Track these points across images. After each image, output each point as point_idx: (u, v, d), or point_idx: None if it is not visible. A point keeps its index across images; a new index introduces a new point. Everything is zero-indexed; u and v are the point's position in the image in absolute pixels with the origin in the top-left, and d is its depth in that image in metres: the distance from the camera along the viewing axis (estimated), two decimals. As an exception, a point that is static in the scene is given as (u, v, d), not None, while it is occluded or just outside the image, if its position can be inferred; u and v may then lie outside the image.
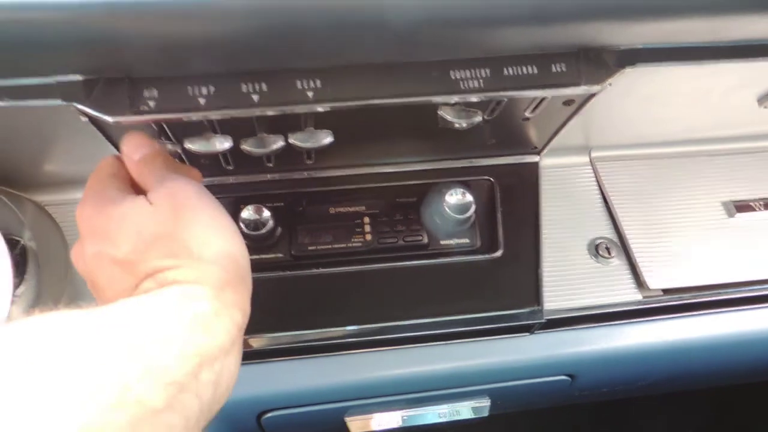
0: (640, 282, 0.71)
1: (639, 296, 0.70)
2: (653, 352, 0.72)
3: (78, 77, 0.42)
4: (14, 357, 0.29)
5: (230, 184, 0.65)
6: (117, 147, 0.53)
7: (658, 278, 0.70)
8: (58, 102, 0.42)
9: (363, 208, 0.69)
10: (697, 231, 0.74)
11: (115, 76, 0.43)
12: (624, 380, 0.81)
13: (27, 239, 0.59)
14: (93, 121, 0.45)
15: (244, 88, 0.46)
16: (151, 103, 0.44)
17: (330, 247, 0.67)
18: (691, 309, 0.72)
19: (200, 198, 0.43)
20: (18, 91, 0.41)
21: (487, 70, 0.49)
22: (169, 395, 0.31)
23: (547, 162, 0.74)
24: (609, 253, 0.72)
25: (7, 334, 0.31)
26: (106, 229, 0.41)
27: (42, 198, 0.66)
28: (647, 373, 0.80)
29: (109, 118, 0.43)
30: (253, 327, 0.65)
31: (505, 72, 0.49)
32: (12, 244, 0.57)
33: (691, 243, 0.73)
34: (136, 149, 0.46)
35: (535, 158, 0.73)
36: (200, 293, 0.37)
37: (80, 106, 0.43)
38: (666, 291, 0.71)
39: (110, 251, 0.40)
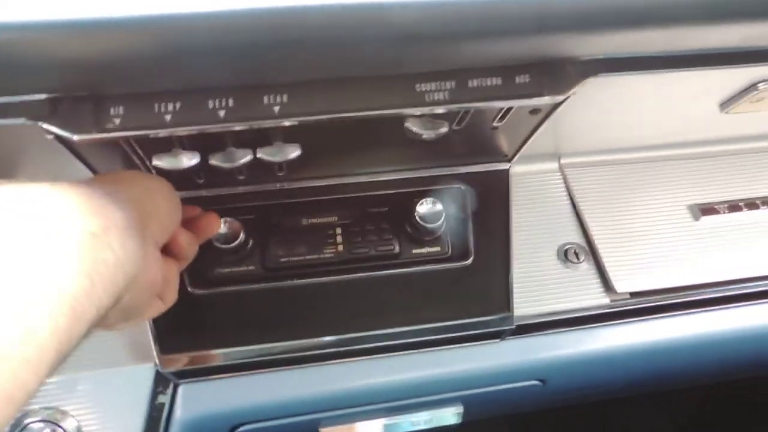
0: (608, 286, 0.72)
1: (607, 300, 0.72)
2: (622, 354, 0.74)
3: (42, 96, 0.42)
4: None
5: (202, 197, 0.65)
6: (85, 163, 0.53)
7: (625, 282, 0.72)
8: (23, 121, 0.42)
9: (335, 218, 0.69)
10: (663, 234, 0.76)
11: (81, 94, 0.43)
12: (595, 383, 0.83)
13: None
14: (59, 138, 0.45)
15: (210, 103, 0.46)
16: (117, 121, 0.44)
17: (302, 258, 0.67)
18: (658, 311, 0.74)
19: None
20: (-18, 111, 0.41)
21: (452, 83, 0.50)
22: (89, 231, 0.35)
23: (517, 169, 0.76)
24: (578, 258, 0.73)
25: None
26: None
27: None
28: (618, 375, 0.81)
29: (74, 137, 0.43)
30: (227, 340, 0.66)
31: (470, 84, 0.50)
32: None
33: (657, 246, 0.75)
34: None
35: (505, 166, 0.74)
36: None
37: (45, 125, 0.43)
38: (633, 294, 0.72)
39: None
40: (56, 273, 0.33)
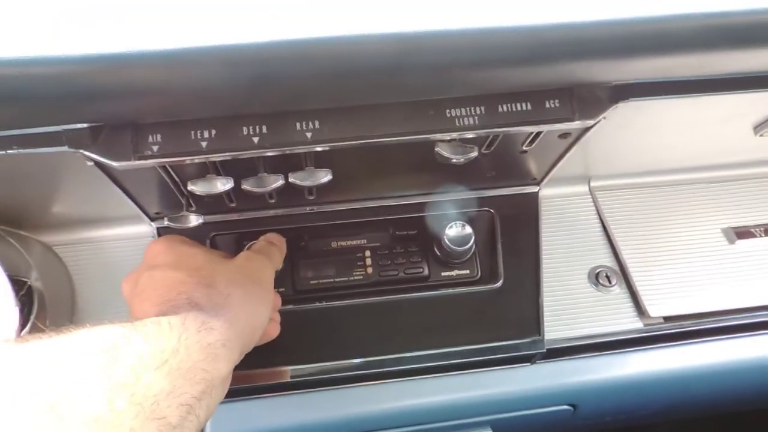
0: (641, 310, 0.71)
1: (640, 324, 0.71)
2: (656, 380, 0.72)
3: (84, 125, 0.43)
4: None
5: (233, 220, 0.66)
6: (122, 188, 0.55)
7: (659, 306, 0.71)
8: (65, 149, 0.44)
9: (364, 241, 0.70)
10: (697, 258, 0.75)
11: (120, 123, 0.45)
12: (627, 409, 0.81)
13: (34, 280, 0.60)
14: (99, 165, 0.46)
15: (244, 130, 0.47)
16: (155, 148, 0.45)
17: (332, 280, 0.68)
18: (693, 336, 0.72)
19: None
20: (27, 140, 0.43)
21: (482, 108, 0.50)
22: (181, 415, 0.36)
23: (546, 192, 0.75)
24: (609, 282, 0.72)
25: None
26: (170, 256, 0.51)
27: (50, 239, 0.68)
28: (650, 401, 0.79)
29: (114, 163, 0.45)
30: (257, 361, 0.66)
31: (500, 109, 0.50)
32: (19, 285, 0.58)
33: (692, 270, 0.74)
34: None
35: (534, 189, 0.74)
36: (215, 322, 0.43)
37: (87, 153, 0.44)
38: (667, 318, 0.71)
39: (166, 271, 0.49)
40: None
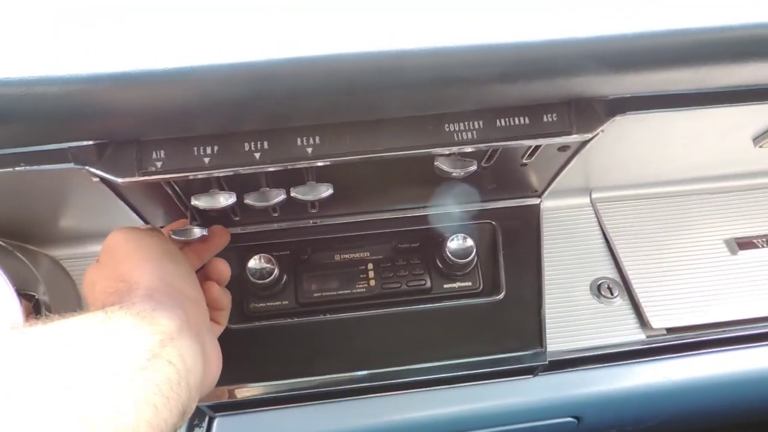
0: (643, 321, 0.71)
1: (643, 336, 0.71)
2: (660, 391, 0.72)
3: (89, 142, 0.44)
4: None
5: (237, 234, 0.67)
6: (127, 203, 0.56)
7: (661, 317, 0.71)
8: (71, 166, 0.45)
9: (367, 254, 0.70)
10: (700, 269, 0.75)
11: (124, 140, 0.46)
12: (632, 420, 0.81)
13: (41, 293, 0.61)
14: (104, 181, 0.47)
15: (246, 146, 0.48)
16: (159, 164, 0.46)
17: (335, 293, 0.68)
18: (696, 348, 0.72)
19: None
20: (34, 157, 0.44)
21: (480, 122, 0.51)
22: (146, 358, 0.39)
23: (548, 204, 0.76)
24: (611, 293, 0.72)
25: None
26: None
27: (57, 252, 0.69)
28: (655, 412, 0.79)
29: (119, 180, 0.46)
30: (262, 374, 0.67)
31: (498, 123, 0.51)
32: (27, 298, 0.59)
33: (694, 281, 0.74)
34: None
35: (535, 201, 0.74)
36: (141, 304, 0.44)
37: (92, 169, 0.45)
38: (670, 330, 0.71)
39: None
40: (115, 414, 0.36)
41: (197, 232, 0.58)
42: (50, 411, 0.33)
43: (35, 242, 0.67)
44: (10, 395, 0.33)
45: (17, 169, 0.44)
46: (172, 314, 0.44)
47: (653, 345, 0.71)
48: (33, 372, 0.35)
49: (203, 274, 0.60)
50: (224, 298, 0.60)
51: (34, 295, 0.61)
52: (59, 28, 0.37)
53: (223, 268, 0.61)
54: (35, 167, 0.44)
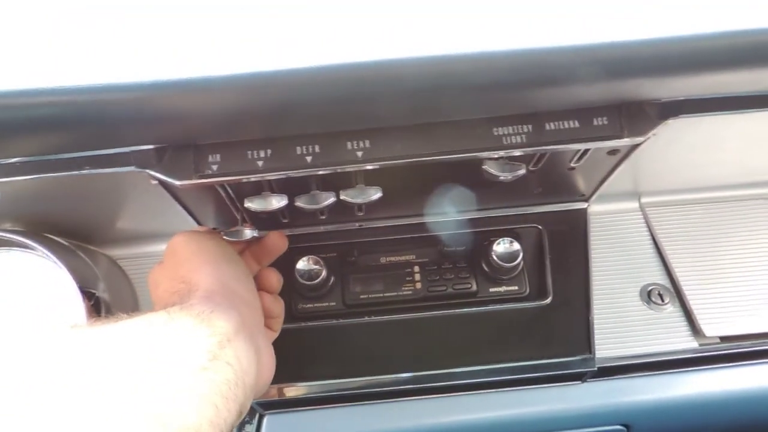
0: (696, 329, 0.69)
1: (695, 344, 0.69)
2: (712, 401, 0.70)
3: (150, 147, 0.46)
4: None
5: (286, 235, 0.68)
6: (183, 206, 0.58)
7: (714, 325, 0.69)
8: (133, 169, 0.47)
9: (413, 257, 0.71)
10: (754, 276, 0.72)
11: (182, 144, 0.47)
12: (682, 430, 0.79)
13: (101, 291, 0.64)
14: (162, 183, 0.49)
15: (298, 150, 0.49)
16: (215, 167, 0.48)
17: (381, 295, 0.69)
18: (751, 357, 0.70)
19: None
20: (99, 161, 0.46)
21: (529, 126, 0.51)
22: (207, 359, 0.41)
23: (595, 208, 0.75)
24: (662, 300, 0.71)
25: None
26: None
27: (115, 252, 0.72)
28: (707, 422, 0.77)
29: (177, 182, 0.47)
30: (308, 374, 0.68)
31: (547, 127, 0.51)
32: (88, 295, 0.61)
33: (748, 289, 0.72)
34: None
35: (583, 205, 0.73)
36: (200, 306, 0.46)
37: (152, 172, 0.47)
38: (724, 338, 0.69)
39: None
40: (181, 413, 0.37)
41: (248, 233, 0.60)
42: (123, 409, 0.35)
43: (95, 242, 0.70)
44: (84, 391, 0.34)
45: (83, 171, 0.47)
46: (229, 316, 0.46)
47: (706, 353, 0.69)
48: (105, 369, 0.36)
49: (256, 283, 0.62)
50: (276, 307, 0.61)
51: (95, 293, 0.63)
52: (126, 39, 0.38)
53: (274, 279, 0.62)
54: (100, 170, 0.47)
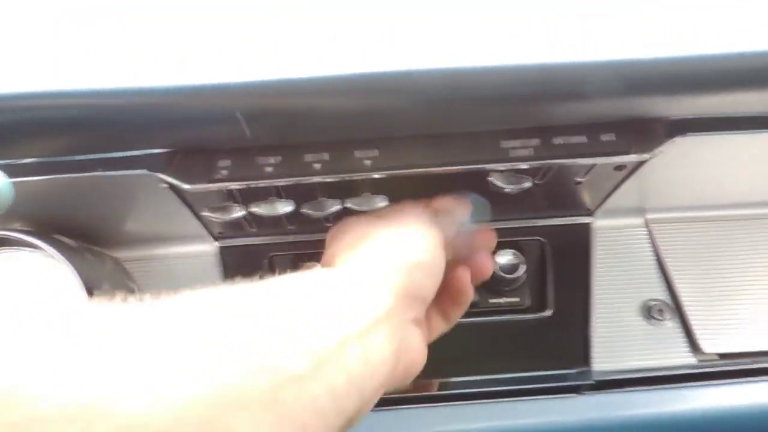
0: (695, 345, 0.69)
1: (694, 360, 0.69)
2: (709, 417, 0.70)
3: (160, 150, 0.46)
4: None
5: (290, 242, 0.69)
6: (192, 209, 0.58)
7: (714, 342, 0.69)
8: (144, 172, 0.47)
9: (415, 265, 0.71)
10: (757, 295, 0.73)
11: (192, 148, 0.48)
12: (680, 446, 0.79)
13: (104, 291, 0.64)
14: (172, 187, 0.49)
15: (307, 157, 0.49)
16: (224, 172, 0.48)
17: (382, 304, 0.69)
18: (750, 374, 0.70)
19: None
20: (110, 163, 0.47)
21: (537, 140, 0.51)
22: (312, 364, 0.30)
23: (600, 223, 0.75)
24: (662, 315, 0.71)
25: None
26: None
27: (120, 254, 0.72)
28: (705, 439, 0.77)
29: (187, 186, 0.48)
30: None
31: (554, 141, 0.51)
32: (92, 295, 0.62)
33: (750, 307, 0.72)
34: None
35: (587, 219, 0.74)
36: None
37: (162, 176, 0.47)
38: (723, 356, 0.69)
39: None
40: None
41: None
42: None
43: (101, 244, 0.70)
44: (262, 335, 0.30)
45: (94, 173, 0.47)
46: (380, 301, 0.40)
47: (705, 370, 0.69)
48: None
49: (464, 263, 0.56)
50: (465, 294, 0.55)
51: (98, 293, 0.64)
52: (143, 44, 0.39)
53: (487, 265, 0.57)
54: (111, 172, 0.47)
